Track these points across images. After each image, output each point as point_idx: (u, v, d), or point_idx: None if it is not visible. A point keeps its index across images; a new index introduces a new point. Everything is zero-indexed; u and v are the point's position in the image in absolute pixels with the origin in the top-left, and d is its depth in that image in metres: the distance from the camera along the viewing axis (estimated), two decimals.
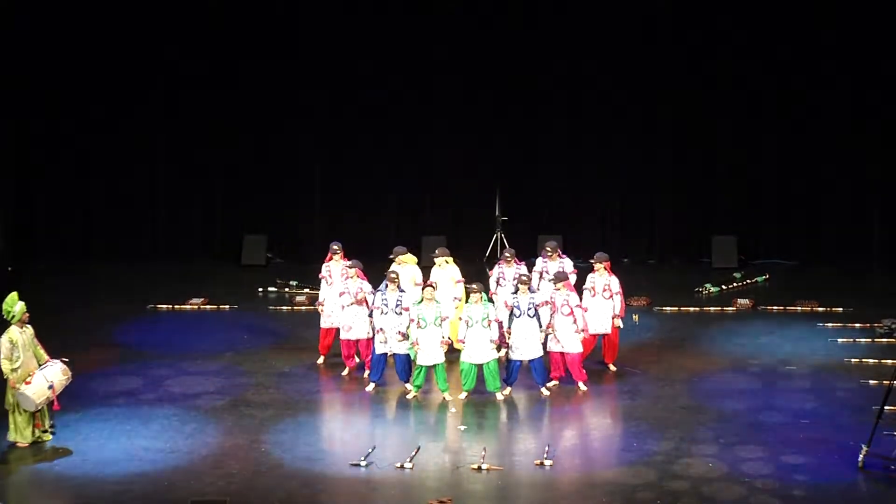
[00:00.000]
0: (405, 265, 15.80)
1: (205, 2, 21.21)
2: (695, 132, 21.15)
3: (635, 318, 17.71)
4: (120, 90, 21.33)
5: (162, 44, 21.24)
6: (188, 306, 18.75)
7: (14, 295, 13.12)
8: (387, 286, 14.81)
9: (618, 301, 15.31)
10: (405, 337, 14.57)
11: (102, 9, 21.11)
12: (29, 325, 13.15)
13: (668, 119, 21.13)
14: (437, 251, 16.10)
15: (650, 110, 21.13)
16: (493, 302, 15.01)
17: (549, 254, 15.68)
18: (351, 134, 21.50)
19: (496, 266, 15.89)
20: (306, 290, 19.09)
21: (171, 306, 18.74)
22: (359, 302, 15.09)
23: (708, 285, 19.43)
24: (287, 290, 19.55)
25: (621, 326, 15.47)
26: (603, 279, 15.31)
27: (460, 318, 14.63)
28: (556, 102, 21.30)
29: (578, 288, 15.34)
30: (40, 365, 13.10)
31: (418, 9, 21.08)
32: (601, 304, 15.23)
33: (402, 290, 14.83)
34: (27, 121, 21.32)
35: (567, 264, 15.60)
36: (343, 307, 15.19)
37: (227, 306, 18.75)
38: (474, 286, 14.58)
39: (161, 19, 21.16)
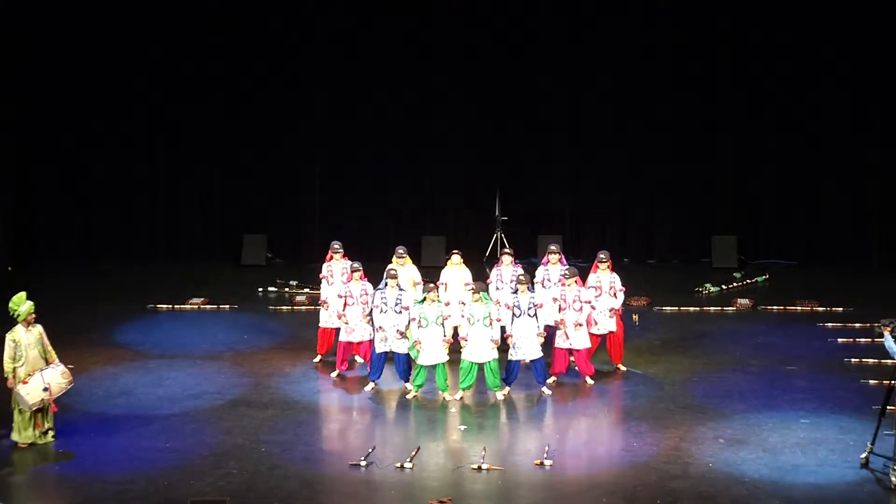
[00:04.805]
0: (405, 265, 15.78)
1: (206, 4, 21.21)
2: (695, 132, 21.15)
3: (635, 318, 17.72)
4: (120, 90, 21.33)
5: (162, 45, 21.25)
6: (188, 306, 18.75)
7: (22, 294, 13.15)
8: (386, 284, 14.81)
9: (621, 298, 15.34)
10: (404, 335, 14.57)
11: (104, 9, 21.11)
12: (38, 325, 13.16)
13: (668, 119, 21.13)
14: (454, 252, 16.07)
15: (650, 110, 21.13)
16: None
17: (556, 252, 15.58)
18: (351, 134, 21.50)
19: (493, 269, 15.87)
20: (306, 290, 19.10)
21: (171, 306, 18.74)
22: (366, 304, 15.07)
23: (708, 285, 19.43)
24: (287, 290, 19.56)
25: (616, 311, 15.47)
26: (607, 277, 15.32)
27: (462, 316, 14.66)
28: (557, 102, 21.31)
29: None
30: (47, 365, 13.12)
31: (421, 7, 21.09)
32: (607, 302, 15.23)
33: (401, 289, 14.83)
34: (27, 121, 21.31)
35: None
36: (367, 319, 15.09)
37: (227, 306, 18.76)
38: (474, 287, 14.61)
39: (162, 20, 21.17)
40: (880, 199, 20.82)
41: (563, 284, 14.96)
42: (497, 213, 20.87)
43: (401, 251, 15.76)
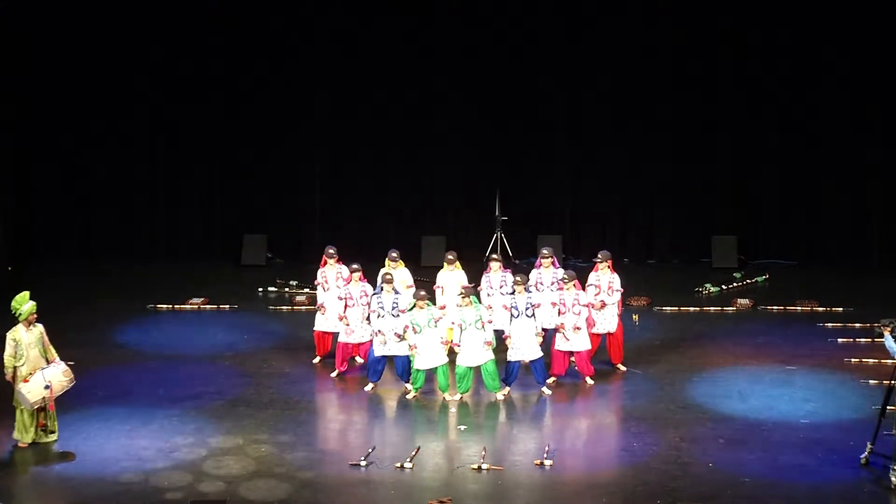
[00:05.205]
0: (398, 268, 15.76)
1: (205, 4, 21.21)
2: (695, 132, 21.13)
3: (635, 318, 17.72)
4: (120, 90, 21.32)
5: (162, 45, 21.24)
6: (188, 306, 18.75)
7: (25, 294, 13.17)
8: (382, 289, 14.79)
9: (616, 297, 15.32)
10: (402, 338, 14.56)
11: (104, 9, 21.12)
12: (39, 325, 13.18)
13: (668, 119, 21.11)
14: (449, 254, 16.06)
15: (650, 110, 21.11)
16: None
17: (548, 256, 15.58)
18: (351, 134, 21.49)
19: (483, 276, 15.77)
20: (306, 290, 19.07)
21: (171, 306, 18.74)
22: (366, 305, 15.06)
23: (708, 285, 19.43)
24: (287, 290, 19.55)
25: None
26: (607, 277, 15.31)
27: (453, 322, 14.61)
28: (557, 102, 21.29)
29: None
30: (48, 364, 13.12)
31: (421, 7, 21.08)
32: (605, 301, 15.21)
33: (397, 293, 14.83)
34: (27, 121, 21.30)
35: (559, 274, 15.43)
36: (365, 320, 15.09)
37: (227, 306, 18.75)
38: (463, 291, 14.59)
39: (162, 20, 21.16)
40: (880, 199, 20.80)
41: (561, 288, 14.94)
42: (497, 213, 20.85)
43: (394, 255, 15.76)
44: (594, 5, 20.91)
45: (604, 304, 15.20)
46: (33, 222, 21.83)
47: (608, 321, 15.29)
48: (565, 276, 14.95)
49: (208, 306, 18.77)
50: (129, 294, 19.34)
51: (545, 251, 15.67)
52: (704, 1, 20.76)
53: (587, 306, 14.88)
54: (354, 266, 15.30)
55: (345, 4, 21.14)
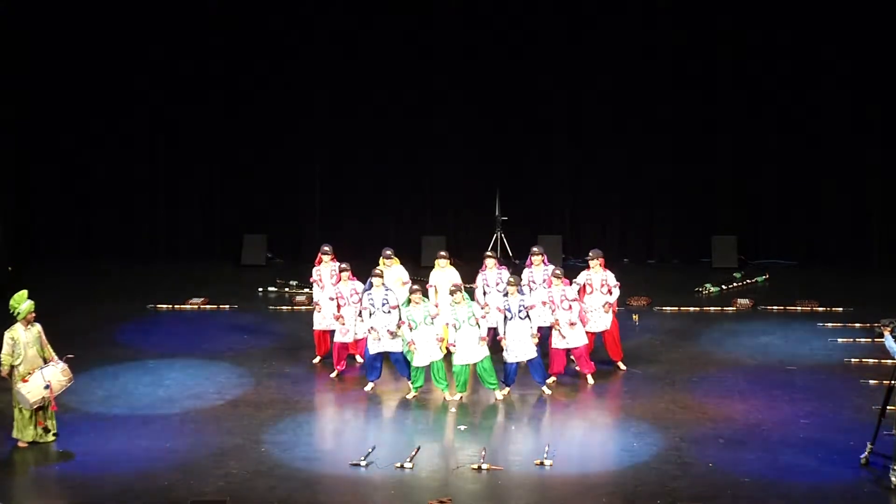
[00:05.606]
0: (393, 266, 15.75)
1: (205, 4, 21.21)
2: (695, 132, 21.13)
3: (635, 318, 17.72)
4: (120, 90, 21.33)
5: (162, 45, 21.25)
6: (188, 306, 18.76)
7: (23, 293, 13.18)
8: (371, 285, 14.78)
9: (616, 293, 15.31)
10: (395, 335, 14.54)
11: (104, 9, 21.12)
12: (37, 324, 13.18)
13: (668, 119, 21.11)
14: (442, 253, 16.06)
15: (650, 110, 21.11)
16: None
17: (538, 254, 15.56)
18: (351, 134, 21.49)
19: (479, 273, 15.77)
20: (306, 290, 19.06)
21: (171, 306, 18.75)
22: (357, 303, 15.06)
23: (708, 285, 19.43)
24: (287, 290, 19.56)
25: (613, 302, 15.37)
26: (599, 275, 15.31)
27: (447, 322, 14.62)
28: (557, 102, 21.29)
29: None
30: (45, 363, 13.12)
31: (421, 7, 21.08)
32: (599, 300, 15.22)
33: (387, 289, 14.79)
34: (27, 121, 21.31)
35: (549, 271, 15.41)
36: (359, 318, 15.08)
37: (227, 306, 18.76)
38: (453, 288, 14.58)
39: (162, 20, 21.17)
40: (880, 199, 20.79)
41: (550, 285, 14.96)
42: (497, 213, 20.86)
43: (388, 252, 15.78)
44: (594, 5, 20.92)
45: (610, 305, 15.20)
46: (33, 222, 21.85)
47: (600, 319, 15.26)
48: (556, 271, 14.96)
49: (208, 306, 18.78)
50: (129, 294, 19.35)
51: (535, 249, 15.69)
52: (704, 1, 20.75)
53: (576, 300, 14.86)
54: (343, 265, 15.32)
55: (345, 4, 21.15)
